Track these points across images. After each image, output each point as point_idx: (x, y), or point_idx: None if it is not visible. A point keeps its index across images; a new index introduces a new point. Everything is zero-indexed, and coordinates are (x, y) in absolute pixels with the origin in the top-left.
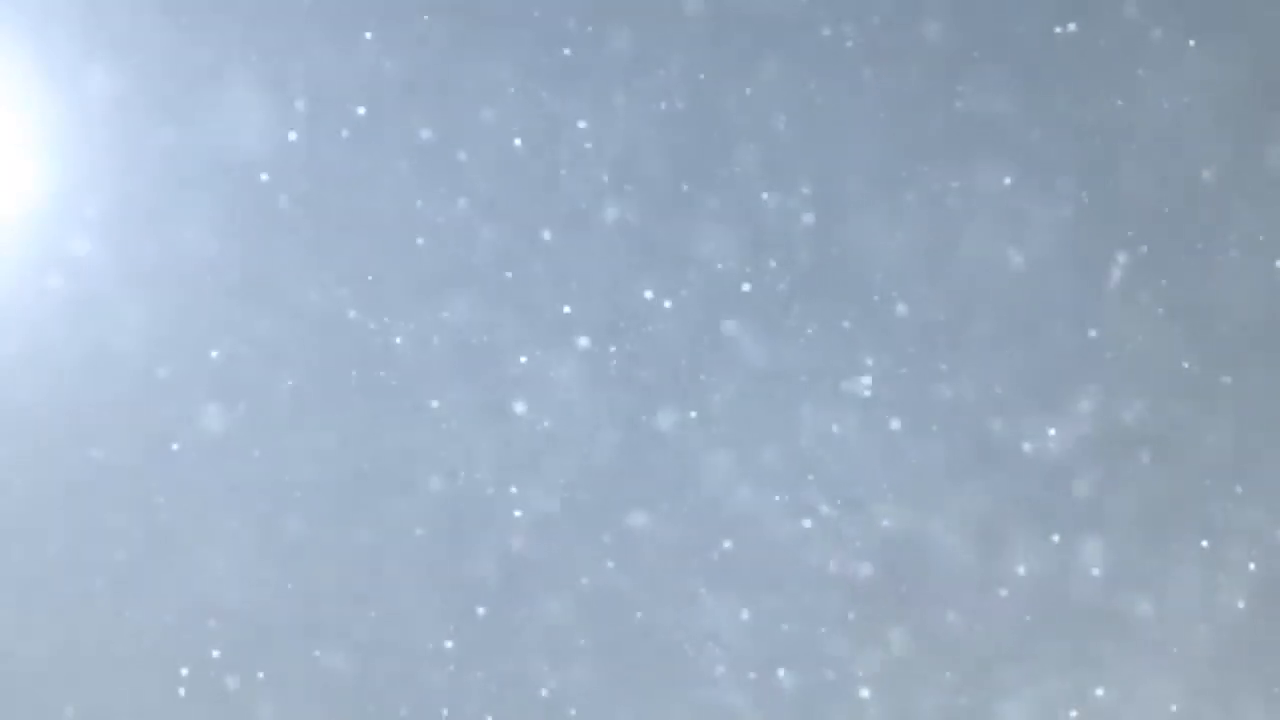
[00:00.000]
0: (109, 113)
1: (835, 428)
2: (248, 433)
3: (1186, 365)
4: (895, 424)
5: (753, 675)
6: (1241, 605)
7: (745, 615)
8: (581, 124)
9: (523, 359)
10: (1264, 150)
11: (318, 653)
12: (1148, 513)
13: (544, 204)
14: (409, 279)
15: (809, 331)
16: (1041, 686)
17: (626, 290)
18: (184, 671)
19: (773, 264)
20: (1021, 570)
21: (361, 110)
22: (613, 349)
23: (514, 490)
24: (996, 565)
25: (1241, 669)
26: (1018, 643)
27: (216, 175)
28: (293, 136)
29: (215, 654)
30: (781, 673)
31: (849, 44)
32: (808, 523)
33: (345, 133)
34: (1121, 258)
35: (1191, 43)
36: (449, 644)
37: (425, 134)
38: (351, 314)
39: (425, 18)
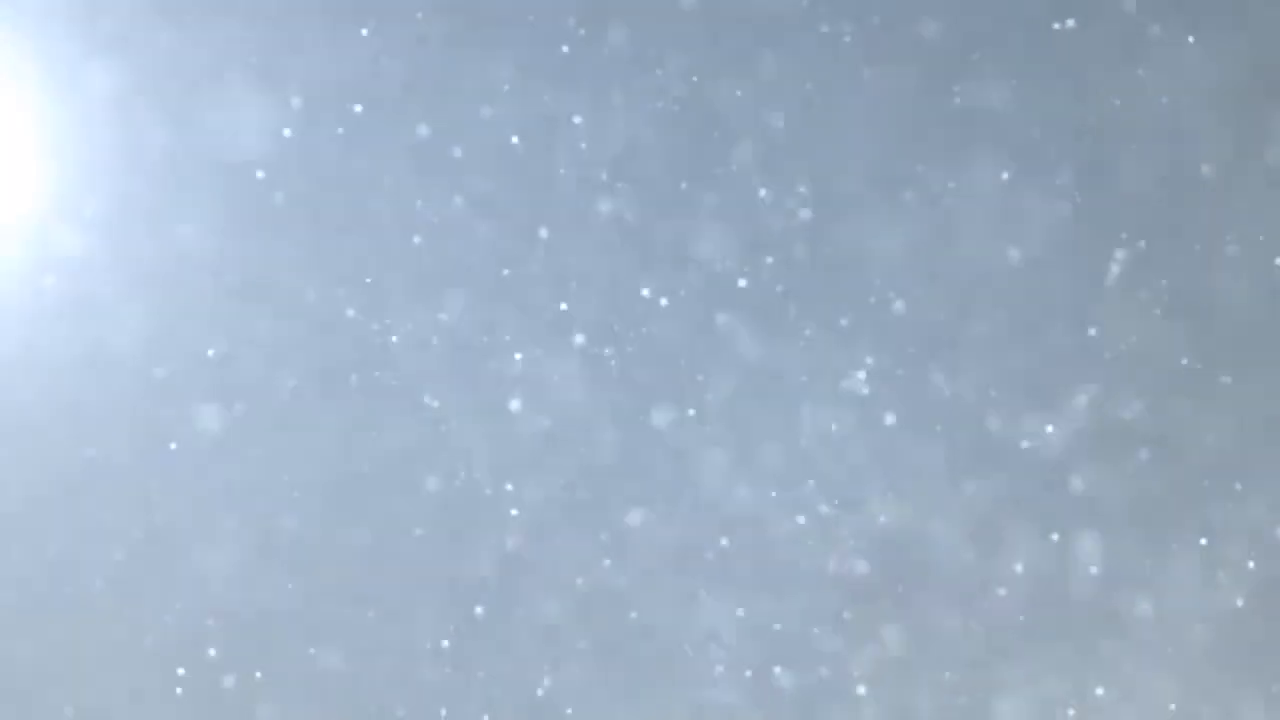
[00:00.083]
0: (107, 112)
1: (833, 426)
2: (245, 432)
3: (1185, 362)
4: (893, 423)
5: (749, 674)
6: (1240, 604)
7: (741, 613)
8: (579, 122)
9: (519, 357)
10: (1263, 147)
11: (316, 652)
12: (1146, 511)
13: (541, 202)
14: (406, 278)
15: (807, 331)
16: (1040, 685)
17: (623, 288)
18: (181, 671)
19: (770, 262)
20: (1020, 569)
21: (358, 108)
22: (609, 348)
23: (510, 489)
24: (995, 564)
25: (1240, 667)
26: (1016, 641)
27: (213, 174)
28: (287, 132)
29: (213, 653)
30: (778, 671)
31: (846, 40)
32: (806, 522)
33: (341, 130)
34: (1120, 255)
35: (1190, 39)
36: (446, 643)
37: (423, 132)
38: (350, 313)
39: (419, 15)
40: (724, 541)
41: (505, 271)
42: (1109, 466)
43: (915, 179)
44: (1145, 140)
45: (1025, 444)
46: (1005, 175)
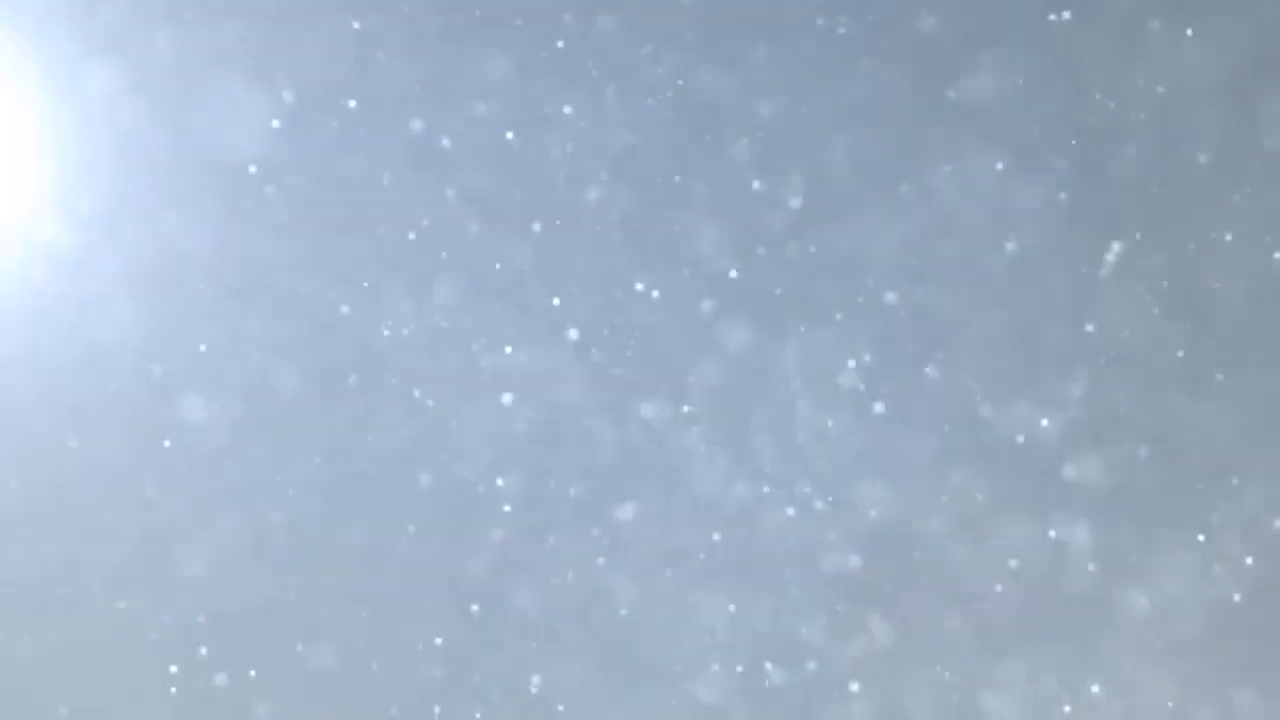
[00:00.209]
0: (106, 112)
1: (827, 420)
2: (240, 430)
3: (1181, 355)
4: (888, 417)
5: (740, 670)
6: (1238, 599)
7: (733, 609)
8: (574, 117)
9: (511, 351)
10: (1261, 138)
11: (310, 650)
12: (1143, 507)
13: (535, 197)
14: (400, 273)
15: (801, 326)
16: (1036, 681)
17: (617, 283)
18: (174, 669)
19: (765, 257)
20: (1016, 565)
21: (352, 103)
22: (603, 342)
23: (501, 484)
24: (991, 559)
25: (1238, 662)
26: (1012, 638)
27: (210, 174)
28: (276, 123)
29: (206, 652)
30: (769, 666)
31: (841, 33)
32: (799, 517)
33: (336, 125)
34: (1116, 247)
35: (1189, 31)
36: (439, 641)
37: (416, 127)
38: (344, 310)
39: (415, 11)
40: (716, 537)
41: (498, 266)
42: (1106, 462)
43: (910, 172)
44: (1142, 132)
45: (1021, 438)
46: (1000, 166)
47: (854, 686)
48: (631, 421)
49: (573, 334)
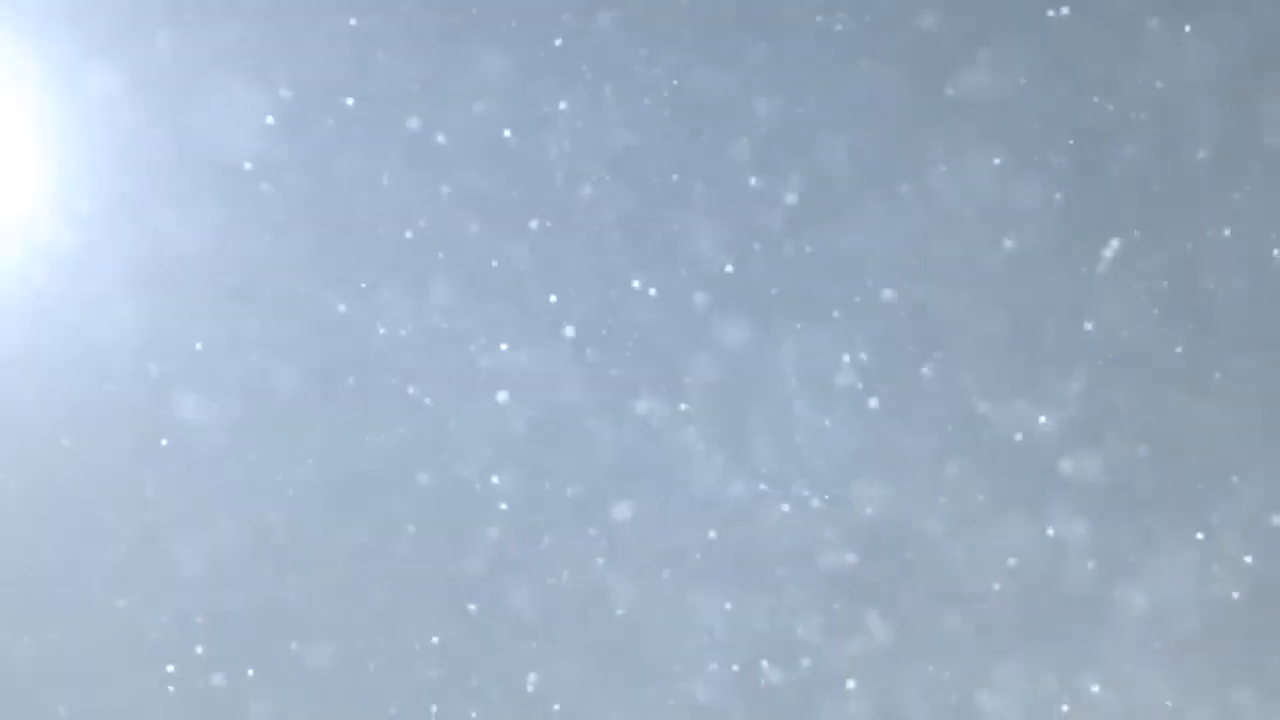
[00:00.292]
0: (105, 112)
1: (825, 419)
2: (238, 430)
3: (1180, 352)
4: (886, 416)
5: (736, 669)
6: (1237, 597)
7: (729, 607)
8: (571, 115)
9: (507, 349)
10: (1261, 137)
11: (307, 650)
12: (1143, 505)
13: (532, 195)
14: (397, 272)
15: (798, 324)
16: (1035, 680)
17: (614, 280)
18: (171, 669)
19: (761, 254)
20: (1014, 563)
21: (350, 101)
22: (599, 340)
23: (497, 482)
24: (989, 558)
25: (1237, 661)
26: (1010, 637)
27: (209, 172)
28: (270, 119)
29: (204, 652)
30: (766, 665)
31: (839, 29)
32: (796, 515)
33: (332, 123)
34: (1115, 244)
35: (1188, 28)
36: (436, 640)
37: (413, 125)
38: (341, 309)
39: (412, 10)
40: (713, 536)
41: (495, 264)
42: (1104, 460)
43: (908, 170)
44: (1141, 130)
45: (1019, 437)
46: (998, 163)
47: (851, 685)
48: (629, 420)
49: (569, 332)
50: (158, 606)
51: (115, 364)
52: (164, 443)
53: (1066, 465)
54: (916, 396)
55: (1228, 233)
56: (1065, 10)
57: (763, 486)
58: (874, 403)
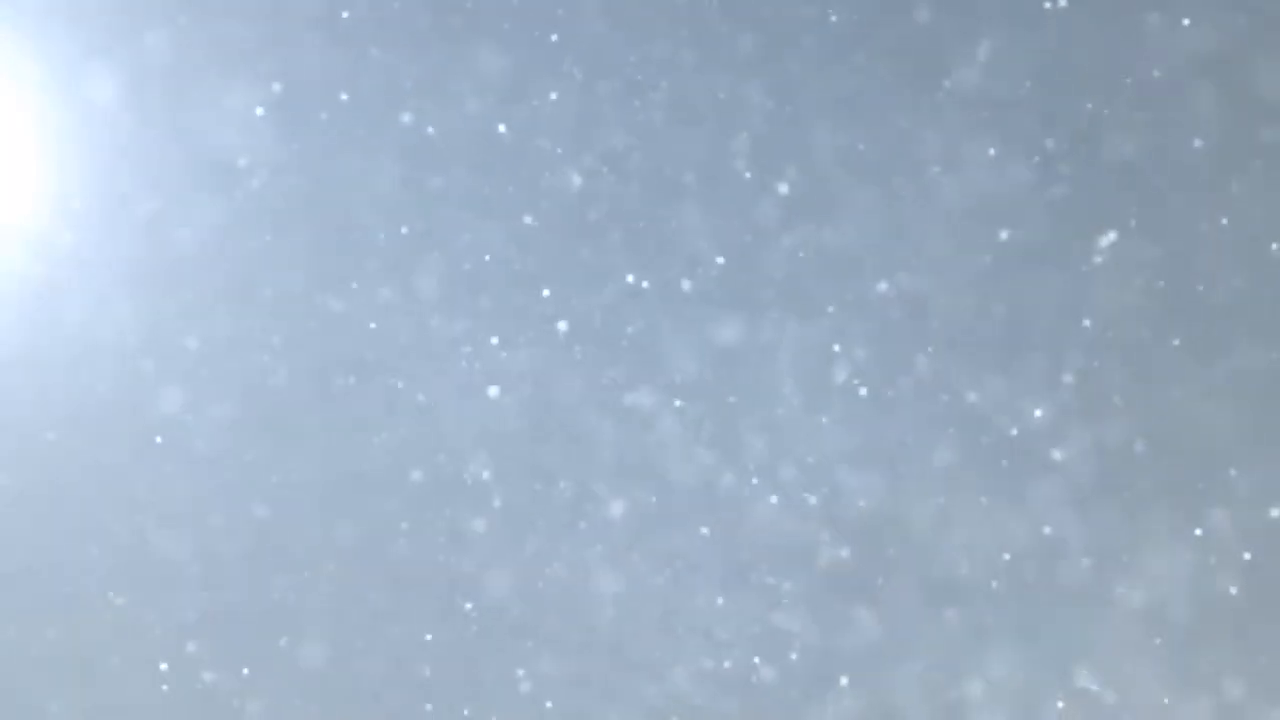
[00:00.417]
0: (105, 112)
1: (819, 413)
2: (231, 427)
3: (1177, 345)
4: (880, 409)
5: (728, 664)
6: (1234, 591)
7: (721, 603)
8: (565, 109)
9: (499, 343)
10: (1259, 128)
11: (301, 648)
12: (1139, 499)
13: (525, 189)
14: (392, 268)
15: (793, 318)
16: (1029, 674)
17: (608, 275)
18: (164, 667)
19: (755, 247)
20: (1009, 556)
21: (344, 96)
22: (592, 334)
23: (489, 478)
24: (983, 552)
25: (1234, 655)
26: (1006, 630)
27: (208, 172)
28: (260, 111)
29: (197, 649)
30: (758, 661)
31: (833, 20)
32: (789, 510)
33: (325, 118)
34: (1111, 236)
35: (1185, 21)
36: (429, 638)
37: (407, 120)
38: (335, 305)
39: (401, 4)
40: (705, 531)
41: (488, 259)
42: (1100, 454)
43: (903, 161)
44: (1137, 121)
45: (1014, 431)
46: (992, 153)
47: (844, 680)
48: (621, 415)
49: (563, 327)
50: (153, 604)
51: (109, 362)
52: (159, 441)
53: (1062, 459)
54: (912, 391)
55: (1225, 225)
56: (1062, 2)
57: (755, 482)
58: (868, 398)
